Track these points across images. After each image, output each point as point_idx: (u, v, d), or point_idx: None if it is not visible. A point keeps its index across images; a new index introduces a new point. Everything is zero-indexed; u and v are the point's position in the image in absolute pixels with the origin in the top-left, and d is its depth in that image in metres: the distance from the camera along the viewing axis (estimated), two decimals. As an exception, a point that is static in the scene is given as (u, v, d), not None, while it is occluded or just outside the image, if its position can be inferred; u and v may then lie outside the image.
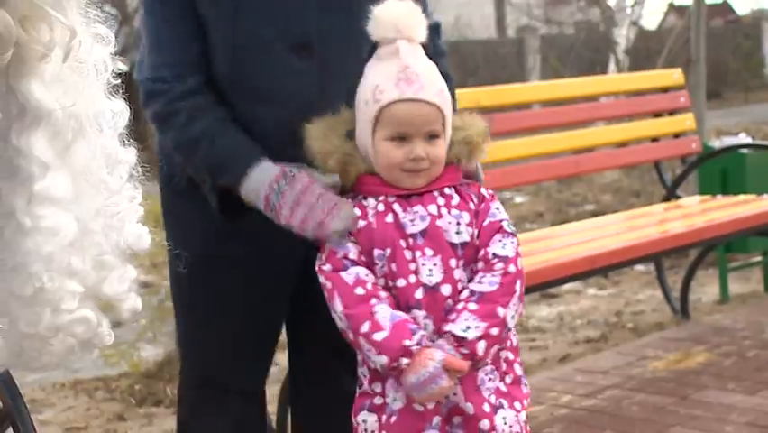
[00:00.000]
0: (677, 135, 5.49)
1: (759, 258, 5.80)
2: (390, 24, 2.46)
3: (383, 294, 2.48)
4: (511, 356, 2.56)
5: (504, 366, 2.52)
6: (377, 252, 2.51)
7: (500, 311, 2.39)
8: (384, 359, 2.37)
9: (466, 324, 2.37)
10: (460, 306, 2.42)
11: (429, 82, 2.49)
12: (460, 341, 2.35)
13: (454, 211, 2.49)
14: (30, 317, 1.52)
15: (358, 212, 2.49)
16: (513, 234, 2.50)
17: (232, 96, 2.66)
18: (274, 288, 2.76)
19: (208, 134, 2.62)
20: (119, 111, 1.66)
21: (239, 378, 2.85)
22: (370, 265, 2.51)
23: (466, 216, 2.47)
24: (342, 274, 2.48)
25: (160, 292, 5.18)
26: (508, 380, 2.54)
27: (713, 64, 22.00)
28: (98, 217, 1.59)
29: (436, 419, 2.46)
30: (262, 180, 2.48)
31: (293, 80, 2.58)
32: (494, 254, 2.43)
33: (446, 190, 2.53)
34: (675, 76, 5.69)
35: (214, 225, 2.68)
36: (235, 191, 2.59)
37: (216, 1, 2.59)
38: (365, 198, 2.52)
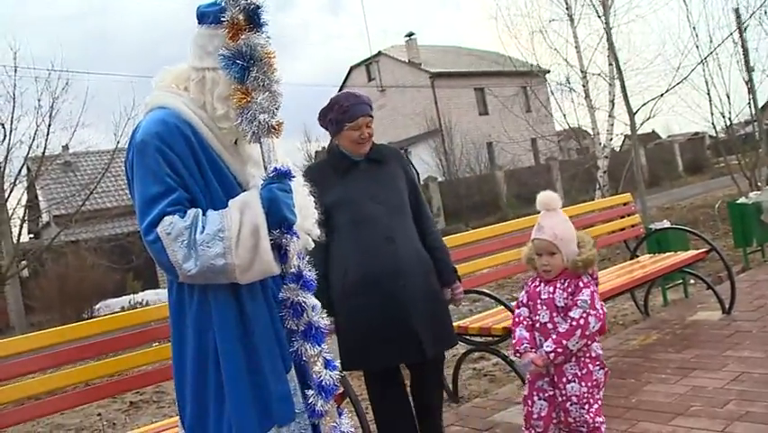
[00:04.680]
0: (633, 226, 5.87)
1: (680, 281, 6.08)
2: (540, 205, 2.68)
3: (525, 322, 2.68)
4: (588, 361, 2.61)
5: (581, 363, 2.60)
6: (530, 303, 2.71)
7: (564, 342, 2.52)
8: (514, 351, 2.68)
9: (547, 343, 2.55)
10: (552, 335, 2.57)
11: (548, 228, 2.61)
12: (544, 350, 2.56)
13: (561, 292, 2.60)
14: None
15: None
16: (581, 308, 2.52)
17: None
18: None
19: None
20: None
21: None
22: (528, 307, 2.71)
23: (565, 294, 2.58)
24: (517, 311, 2.75)
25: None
26: (584, 371, 2.60)
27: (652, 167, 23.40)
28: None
29: (545, 378, 2.66)
30: None
31: (386, 252, 2.80)
32: (570, 316, 2.53)
33: (562, 280, 2.62)
34: (628, 197, 6.20)
35: None
36: None
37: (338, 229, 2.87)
38: (535, 279, 2.72)
